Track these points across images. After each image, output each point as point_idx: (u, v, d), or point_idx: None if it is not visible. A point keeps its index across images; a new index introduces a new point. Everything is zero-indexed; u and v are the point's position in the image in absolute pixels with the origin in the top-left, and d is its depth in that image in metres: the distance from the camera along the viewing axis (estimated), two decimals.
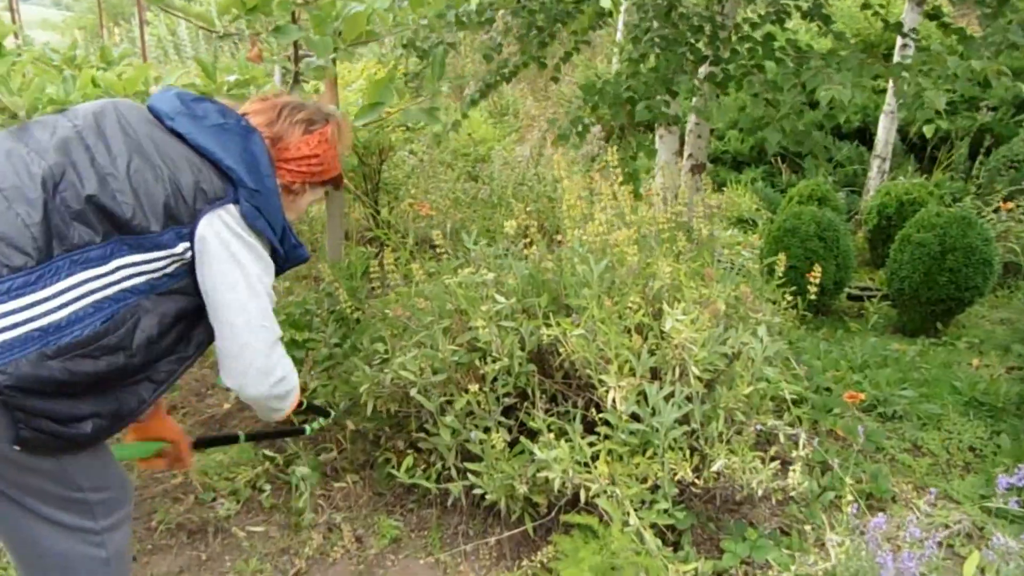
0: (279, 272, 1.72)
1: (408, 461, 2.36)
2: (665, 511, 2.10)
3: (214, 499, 2.58)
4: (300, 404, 2.01)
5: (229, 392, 3.19)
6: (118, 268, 1.45)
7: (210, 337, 1.64)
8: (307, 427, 2.33)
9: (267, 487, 2.59)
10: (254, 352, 1.60)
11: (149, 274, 1.50)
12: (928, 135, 3.49)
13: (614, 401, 2.10)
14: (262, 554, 2.36)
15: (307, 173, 1.74)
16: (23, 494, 1.51)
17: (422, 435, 2.43)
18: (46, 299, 1.37)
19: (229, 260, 1.55)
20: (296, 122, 1.71)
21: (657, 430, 2.12)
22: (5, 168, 1.44)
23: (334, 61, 2.68)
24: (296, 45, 2.64)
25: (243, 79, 2.36)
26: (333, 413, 2.39)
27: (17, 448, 1.40)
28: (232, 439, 2.27)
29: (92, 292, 1.42)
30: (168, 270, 1.53)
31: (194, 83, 2.37)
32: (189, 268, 1.55)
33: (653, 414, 2.14)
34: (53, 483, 1.52)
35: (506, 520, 2.36)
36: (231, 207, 1.55)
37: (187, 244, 1.52)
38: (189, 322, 1.60)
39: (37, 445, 1.42)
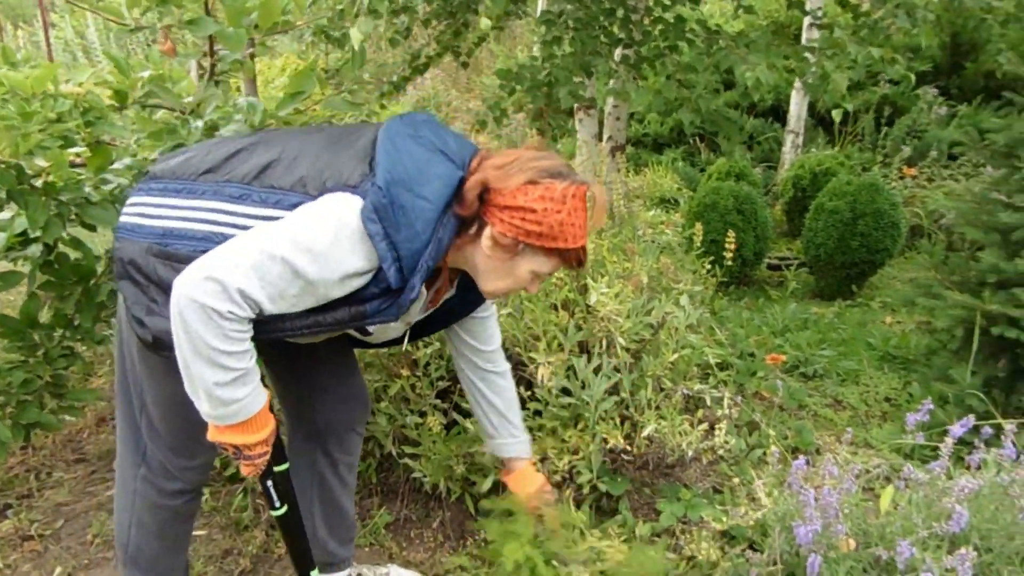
0: (365, 320, 1.45)
1: None
2: (598, 479, 2.17)
3: None
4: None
5: None
6: (245, 214, 1.45)
7: None
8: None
9: (205, 490, 2.56)
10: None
11: None
12: (836, 119, 3.67)
13: (543, 377, 2.16)
14: (206, 557, 2.34)
15: (519, 229, 1.45)
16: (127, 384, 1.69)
17: None
18: (179, 207, 1.49)
19: (298, 215, 1.39)
20: (526, 168, 1.47)
21: (588, 403, 2.18)
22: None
23: (252, 56, 2.63)
24: (212, 39, 2.57)
25: (157, 75, 2.29)
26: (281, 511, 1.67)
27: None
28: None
29: (213, 222, 1.46)
30: None
31: (107, 80, 2.31)
32: None
33: (583, 387, 2.20)
34: (133, 379, 1.66)
35: (447, 502, 2.40)
36: (354, 196, 1.37)
37: None
38: None
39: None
